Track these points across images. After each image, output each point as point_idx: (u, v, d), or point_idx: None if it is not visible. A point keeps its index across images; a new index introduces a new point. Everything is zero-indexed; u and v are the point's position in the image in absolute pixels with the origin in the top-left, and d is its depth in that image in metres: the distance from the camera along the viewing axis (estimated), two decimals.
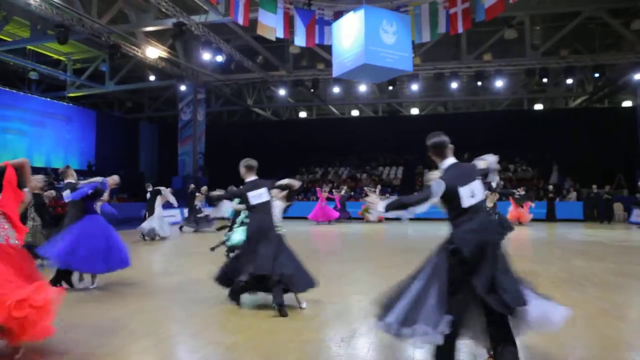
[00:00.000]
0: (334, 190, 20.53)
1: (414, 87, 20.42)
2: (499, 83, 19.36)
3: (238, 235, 7.36)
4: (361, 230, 16.19)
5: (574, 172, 22.43)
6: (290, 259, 5.11)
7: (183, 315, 4.95)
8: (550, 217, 18.98)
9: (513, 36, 16.97)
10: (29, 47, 19.17)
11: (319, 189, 20.13)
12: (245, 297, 5.53)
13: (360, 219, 18.89)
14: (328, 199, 19.33)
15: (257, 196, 5.09)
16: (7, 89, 21.66)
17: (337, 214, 19.07)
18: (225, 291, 5.26)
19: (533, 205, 18.19)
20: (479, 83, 19.45)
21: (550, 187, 20.52)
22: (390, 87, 20.85)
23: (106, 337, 4.11)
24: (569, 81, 20.16)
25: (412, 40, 10.51)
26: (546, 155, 24.45)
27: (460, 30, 12.30)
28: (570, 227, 16.55)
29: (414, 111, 27.58)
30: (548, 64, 18.26)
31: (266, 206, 5.13)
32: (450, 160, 3.39)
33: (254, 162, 5.37)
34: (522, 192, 16.09)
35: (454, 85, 19.83)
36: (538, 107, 26.21)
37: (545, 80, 19.44)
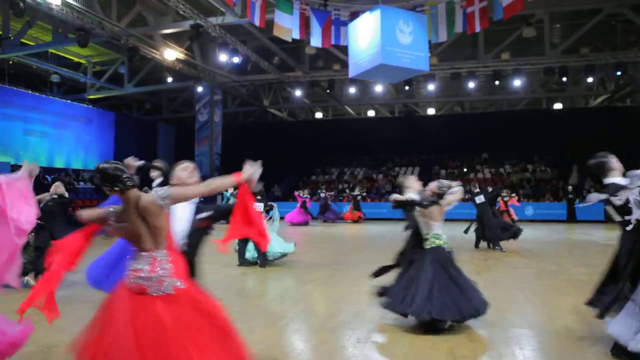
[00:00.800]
0: (300, 192, 20.29)
1: (431, 87, 20.27)
2: (517, 82, 19.10)
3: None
4: (375, 232, 16.13)
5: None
6: None
7: None
8: (571, 218, 18.67)
9: (532, 34, 16.71)
10: (50, 50, 19.54)
11: (297, 193, 20.30)
12: (262, 294, 5.56)
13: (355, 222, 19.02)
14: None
15: None
16: (30, 92, 22.14)
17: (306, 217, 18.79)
18: (241, 291, 5.28)
19: (518, 204, 18.61)
20: (497, 82, 19.22)
21: (570, 187, 20.18)
22: (407, 87, 20.73)
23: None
24: (590, 80, 19.79)
25: (428, 40, 10.44)
26: (566, 156, 24.06)
27: (477, 29, 12.17)
28: (591, 228, 16.24)
29: (431, 111, 27.38)
30: (568, 63, 17.96)
31: None
32: None
33: None
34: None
35: (471, 84, 19.62)
36: (557, 106, 25.78)
37: (564, 79, 19.10)
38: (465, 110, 27.75)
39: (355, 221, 19.46)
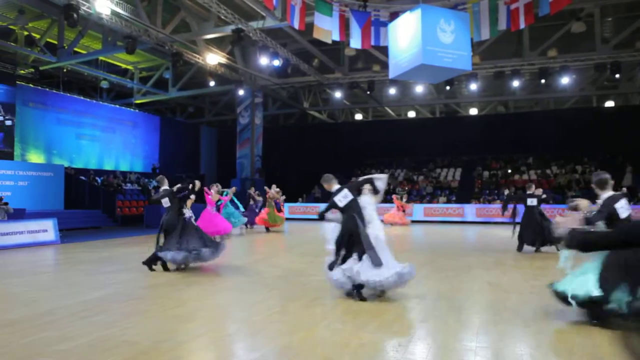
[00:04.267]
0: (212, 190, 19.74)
1: (473, 86, 19.83)
2: (565, 80, 18.39)
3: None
4: (413, 233, 15.92)
5: None
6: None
7: (243, 314, 5.06)
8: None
9: (581, 29, 16.07)
10: (100, 58, 20.43)
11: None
12: (304, 298, 5.59)
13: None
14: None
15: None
16: (82, 98, 23.21)
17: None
18: (285, 292, 5.34)
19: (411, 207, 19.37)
20: (543, 81, 18.58)
21: (624, 189, 19.21)
22: (448, 87, 20.37)
23: (169, 332, 4.29)
24: None
25: (470, 39, 10.22)
26: (618, 156, 22.95)
27: (522, 25, 11.81)
28: None
29: (473, 111, 26.76)
30: (621, 58, 17.14)
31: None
32: None
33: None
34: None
35: (516, 83, 19.03)
36: (609, 104, 24.64)
37: (617, 75, 18.23)
38: (509, 110, 26.96)
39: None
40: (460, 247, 11.87)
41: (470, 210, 21.10)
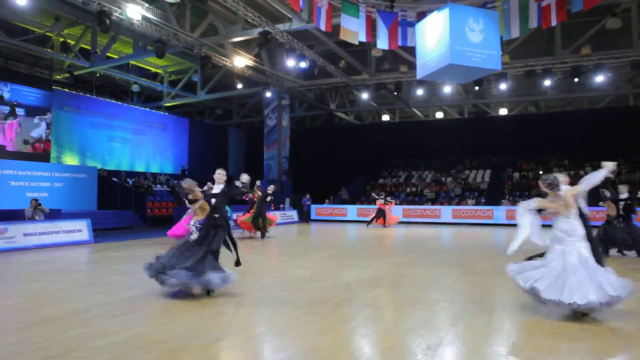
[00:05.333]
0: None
1: (503, 86, 19.46)
2: (600, 78, 17.84)
3: None
4: (437, 234, 15.73)
5: None
6: None
7: (270, 315, 5.11)
8: None
9: (617, 26, 15.56)
10: (131, 62, 20.95)
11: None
12: (331, 300, 5.60)
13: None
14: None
15: None
16: (114, 101, 23.86)
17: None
18: (312, 293, 5.35)
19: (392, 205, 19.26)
20: (576, 79, 18.07)
21: None
22: (477, 88, 20.07)
23: (199, 332, 4.37)
24: None
25: (500, 37, 10.05)
26: None
27: (553, 23, 11.53)
28: None
29: (503, 112, 26.26)
30: None
31: None
32: None
33: None
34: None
35: (547, 82, 18.56)
36: None
37: None
38: (541, 110, 26.33)
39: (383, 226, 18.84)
40: (490, 249, 11.67)
41: (500, 212, 20.72)
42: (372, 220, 18.91)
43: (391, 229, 18.20)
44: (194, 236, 6.19)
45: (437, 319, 4.92)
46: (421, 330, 4.44)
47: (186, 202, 7.87)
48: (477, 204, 22.52)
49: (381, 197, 18.99)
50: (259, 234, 14.08)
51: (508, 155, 26.16)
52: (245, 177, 6.29)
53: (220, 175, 6.18)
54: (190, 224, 7.26)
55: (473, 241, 13.72)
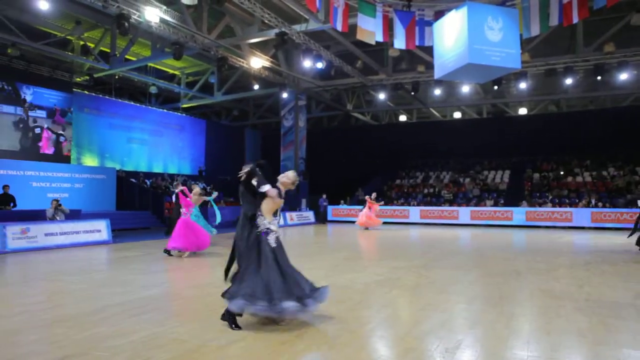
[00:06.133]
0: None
1: (522, 85, 19.18)
2: (623, 76, 17.47)
3: None
4: (455, 236, 15.57)
5: None
6: None
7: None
8: None
9: None
10: (149, 64, 21.23)
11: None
12: (348, 301, 5.58)
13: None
14: None
15: None
16: (132, 103, 24.21)
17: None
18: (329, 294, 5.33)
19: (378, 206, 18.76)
20: (599, 77, 17.73)
21: None
22: (496, 87, 19.83)
23: (217, 332, 4.39)
24: None
25: (520, 35, 9.92)
26: None
27: (575, 20, 11.36)
28: None
29: (522, 111, 25.90)
30: None
31: None
32: None
33: None
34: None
35: (568, 81, 18.26)
36: None
37: None
38: (562, 109, 25.88)
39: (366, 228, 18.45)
40: (508, 251, 11.52)
41: (519, 214, 20.45)
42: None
43: (405, 230, 18.09)
44: (272, 243, 4.69)
45: (455, 322, 4.87)
46: (439, 333, 4.40)
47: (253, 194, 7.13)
48: (496, 205, 22.25)
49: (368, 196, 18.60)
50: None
51: (528, 156, 25.81)
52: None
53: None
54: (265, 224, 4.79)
55: (492, 243, 13.56)
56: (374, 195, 19.00)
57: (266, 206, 4.74)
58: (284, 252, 4.75)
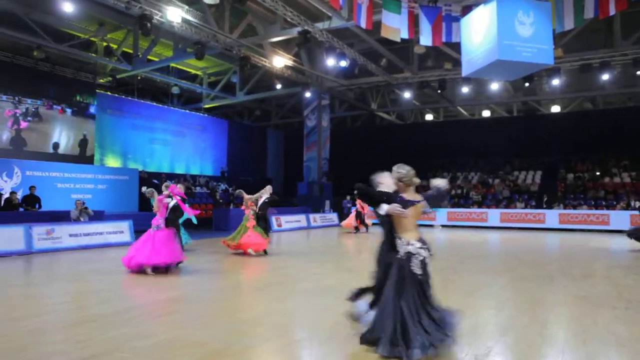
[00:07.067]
0: None
1: (555, 82, 18.78)
2: None
3: None
4: (492, 239, 15.33)
5: None
6: None
7: (311, 321, 5.13)
8: None
9: None
10: (171, 64, 21.58)
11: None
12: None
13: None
14: None
15: None
16: (154, 103, 24.65)
17: None
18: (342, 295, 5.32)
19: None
20: (638, 72, 17.21)
21: None
22: (527, 84, 19.47)
23: (239, 335, 4.44)
24: None
25: (552, 30, 9.73)
26: None
27: (612, 12, 11.06)
28: None
29: (555, 109, 25.35)
30: None
31: None
32: None
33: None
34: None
35: (605, 77, 17.78)
36: None
37: None
38: (598, 106, 25.22)
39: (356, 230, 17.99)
40: (541, 255, 11.29)
41: (552, 216, 20.01)
42: (358, 226, 17.93)
43: (427, 232, 17.91)
44: (415, 269, 3.97)
45: (484, 328, 4.80)
46: (468, 339, 4.34)
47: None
48: (527, 207, 21.83)
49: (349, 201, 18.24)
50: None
51: (561, 155, 25.24)
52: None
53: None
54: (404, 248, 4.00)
55: (523, 246, 13.30)
56: None
57: (398, 223, 4.01)
58: (428, 279, 4.01)
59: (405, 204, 3.90)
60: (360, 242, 14.95)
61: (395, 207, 3.88)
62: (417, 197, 4.05)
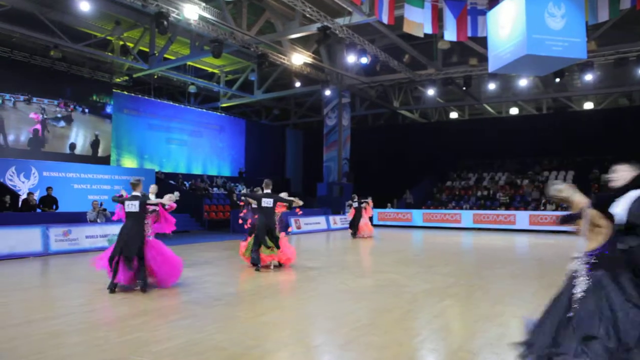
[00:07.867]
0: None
1: (588, 77, 18.40)
2: None
3: None
4: (511, 242, 15.10)
5: None
6: None
7: (331, 325, 5.12)
8: None
9: None
10: (188, 63, 21.84)
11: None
12: (396, 310, 5.53)
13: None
14: None
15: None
16: (171, 103, 24.98)
17: None
18: (375, 303, 5.32)
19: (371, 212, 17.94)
20: None
21: None
22: (557, 80, 19.11)
23: (258, 340, 4.46)
24: None
25: (585, 22, 9.53)
26: None
27: None
28: None
29: (588, 106, 24.85)
30: None
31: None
32: None
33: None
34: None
35: None
36: None
37: None
38: (634, 103, 24.64)
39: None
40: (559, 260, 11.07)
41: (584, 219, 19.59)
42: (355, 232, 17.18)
43: (454, 236, 17.73)
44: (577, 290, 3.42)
45: (513, 336, 4.72)
46: (496, 348, 4.28)
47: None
48: (558, 209, 21.44)
49: (354, 200, 17.32)
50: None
51: (594, 155, 24.70)
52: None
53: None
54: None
55: (553, 250, 13.06)
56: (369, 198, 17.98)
57: (583, 230, 3.61)
58: (593, 303, 3.24)
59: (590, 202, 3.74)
60: (376, 246, 14.88)
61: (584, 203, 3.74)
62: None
